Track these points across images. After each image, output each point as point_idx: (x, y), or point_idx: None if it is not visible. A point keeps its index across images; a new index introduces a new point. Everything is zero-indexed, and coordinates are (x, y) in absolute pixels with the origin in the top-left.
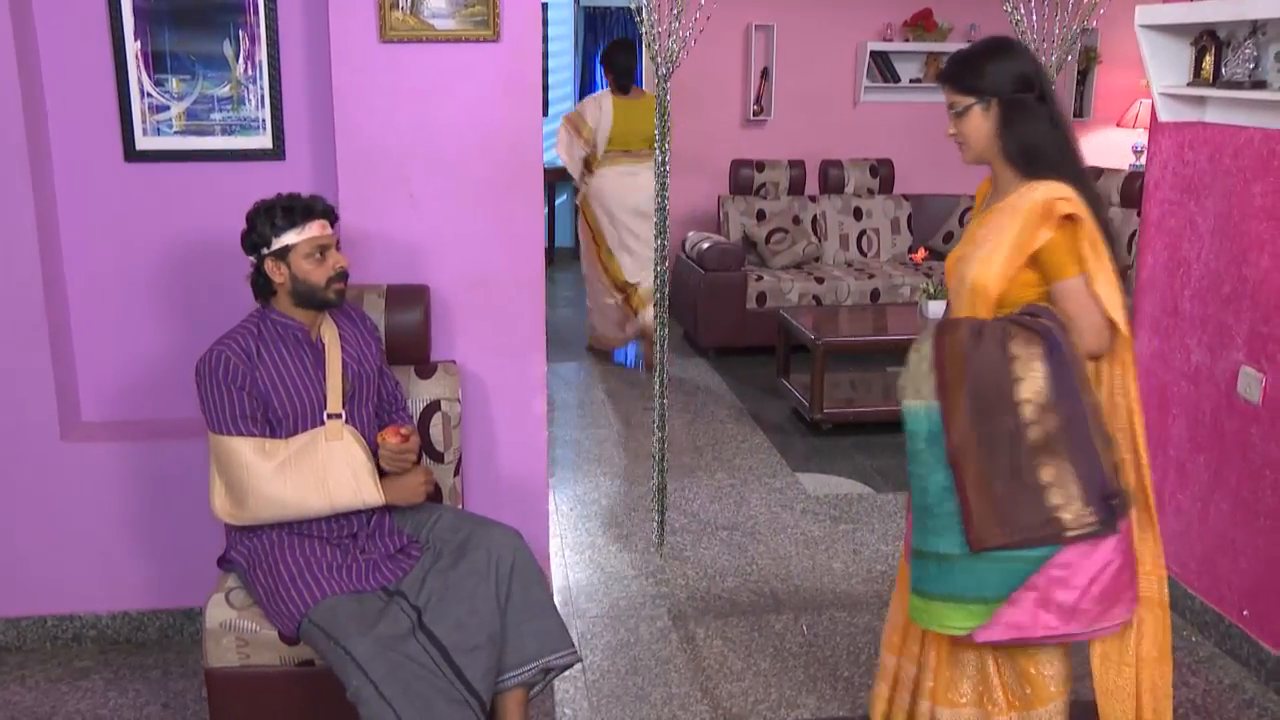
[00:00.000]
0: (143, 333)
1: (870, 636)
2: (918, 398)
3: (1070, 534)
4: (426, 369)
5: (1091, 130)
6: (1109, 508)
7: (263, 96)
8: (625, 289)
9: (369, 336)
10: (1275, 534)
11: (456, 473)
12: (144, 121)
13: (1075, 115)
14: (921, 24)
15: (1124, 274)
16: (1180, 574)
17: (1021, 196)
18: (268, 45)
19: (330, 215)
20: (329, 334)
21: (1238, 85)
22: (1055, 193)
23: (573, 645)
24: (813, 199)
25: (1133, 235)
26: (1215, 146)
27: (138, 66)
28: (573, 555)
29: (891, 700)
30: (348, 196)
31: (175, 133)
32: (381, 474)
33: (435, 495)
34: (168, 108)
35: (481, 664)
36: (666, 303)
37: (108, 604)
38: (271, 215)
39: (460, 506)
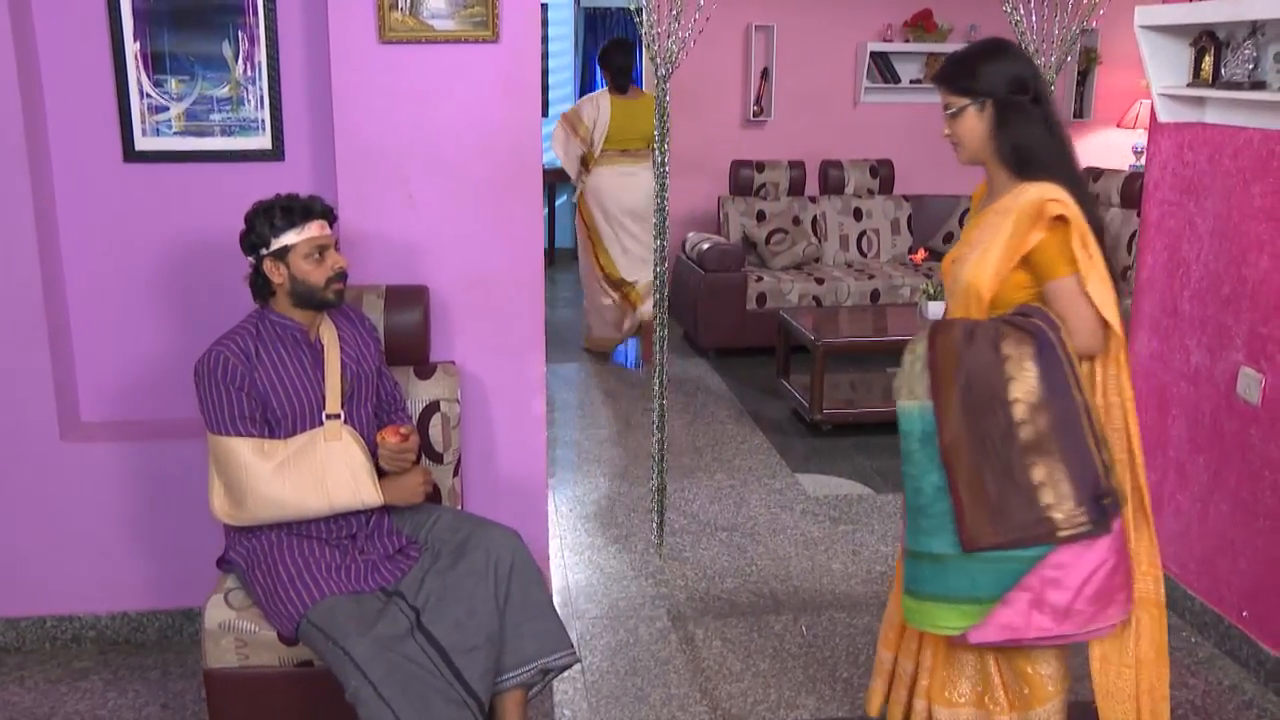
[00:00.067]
0: (142, 333)
1: (870, 637)
2: (911, 398)
3: (1062, 533)
4: (425, 369)
5: (1092, 131)
6: (1101, 507)
7: (262, 97)
8: (621, 286)
9: (368, 337)
10: (1274, 535)
11: (455, 473)
12: (143, 122)
13: (1075, 116)
14: (921, 25)
15: (1124, 274)
16: (1180, 575)
17: (1014, 198)
18: (267, 46)
19: (329, 215)
20: (328, 334)
21: (1237, 86)
22: (1046, 194)
23: (571, 646)
24: (813, 200)
25: (1133, 236)
26: (1215, 147)
27: (137, 67)
28: (572, 556)
29: (888, 696)
30: (347, 197)
31: (174, 133)
32: (380, 474)
33: (434, 496)
34: (167, 108)
35: (480, 664)
36: (666, 304)
37: (107, 604)
38: (270, 216)
39: (459, 507)
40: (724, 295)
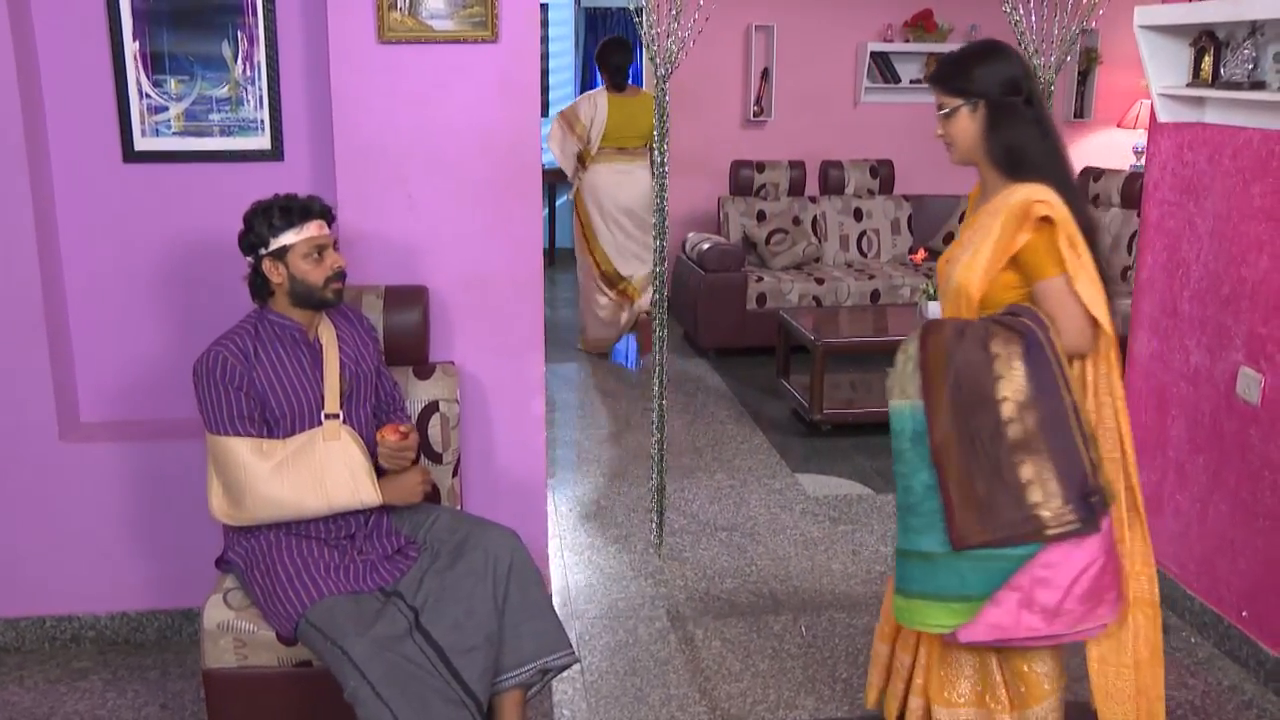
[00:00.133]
0: (142, 333)
1: (869, 637)
2: (903, 397)
3: (1050, 531)
4: (425, 370)
5: (1092, 131)
6: (1089, 505)
7: (261, 97)
8: (618, 282)
9: (366, 337)
10: (1274, 535)
11: (455, 473)
12: (143, 122)
13: (1076, 116)
14: (922, 25)
15: (1124, 274)
16: (1179, 575)
17: (1004, 199)
18: (266, 46)
19: (328, 215)
20: (327, 334)
21: (1236, 86)
22: (1033, 195)
23: (571, 646)
24: (813, 200)
25: (1133, 236)
26: (1214, 147)
27: (136, 67)
28: (571, 556)
29: (884, 690)
30: (346, 197)
31: (174, 133)
32: (380, 473)
33: (433, 496)
34: (166, 108)
35: (479, 665)
36: (666, 304)
37: (106, 604)
38: (269, 216)
39: (458, 507)
40: (724, 295)
